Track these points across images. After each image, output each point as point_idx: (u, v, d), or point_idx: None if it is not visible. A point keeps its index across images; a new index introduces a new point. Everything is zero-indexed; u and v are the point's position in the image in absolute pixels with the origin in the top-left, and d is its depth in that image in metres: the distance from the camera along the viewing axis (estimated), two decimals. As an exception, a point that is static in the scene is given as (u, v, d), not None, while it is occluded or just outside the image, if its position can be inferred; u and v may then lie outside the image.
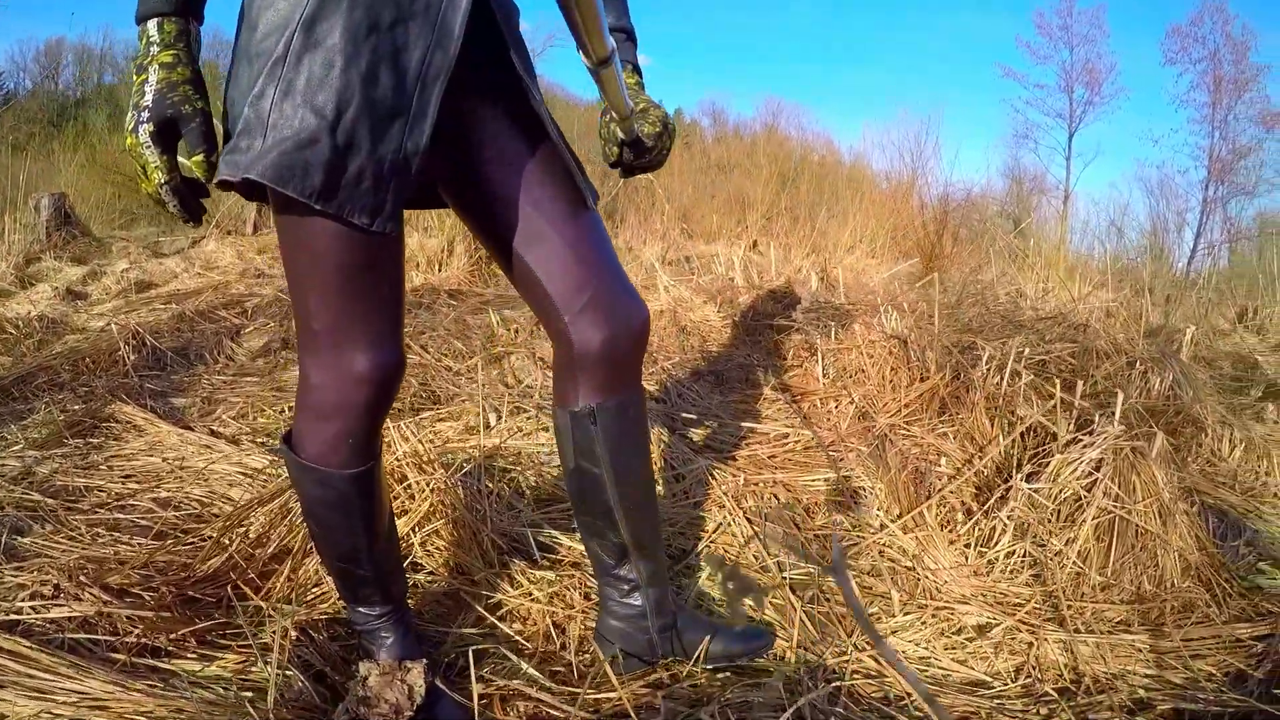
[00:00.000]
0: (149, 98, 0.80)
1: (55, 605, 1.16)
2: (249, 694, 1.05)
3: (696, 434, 2.04)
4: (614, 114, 1.05)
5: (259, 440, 1.95)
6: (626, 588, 1.18)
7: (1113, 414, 1.38)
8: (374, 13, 0.82)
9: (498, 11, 0.93)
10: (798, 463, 1.81)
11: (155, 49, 0.81)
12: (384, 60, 0.83)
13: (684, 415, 2.05)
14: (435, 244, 4.42)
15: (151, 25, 0.81)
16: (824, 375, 2.28)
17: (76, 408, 1.99)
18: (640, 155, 1.10)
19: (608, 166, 1.14)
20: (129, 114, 0.82)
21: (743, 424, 2.03)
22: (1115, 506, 1.31)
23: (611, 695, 1.13)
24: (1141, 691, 1.15)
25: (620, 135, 1.08)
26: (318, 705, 1.08)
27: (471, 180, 0.99)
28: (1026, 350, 1.69)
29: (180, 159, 0.84)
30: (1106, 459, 1.33)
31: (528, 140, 0.99)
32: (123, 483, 1.64)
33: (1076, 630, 1.25)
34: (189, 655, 1.14)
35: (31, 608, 1.15)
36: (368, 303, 0.89)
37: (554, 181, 0.99)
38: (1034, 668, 1.22)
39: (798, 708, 1.10)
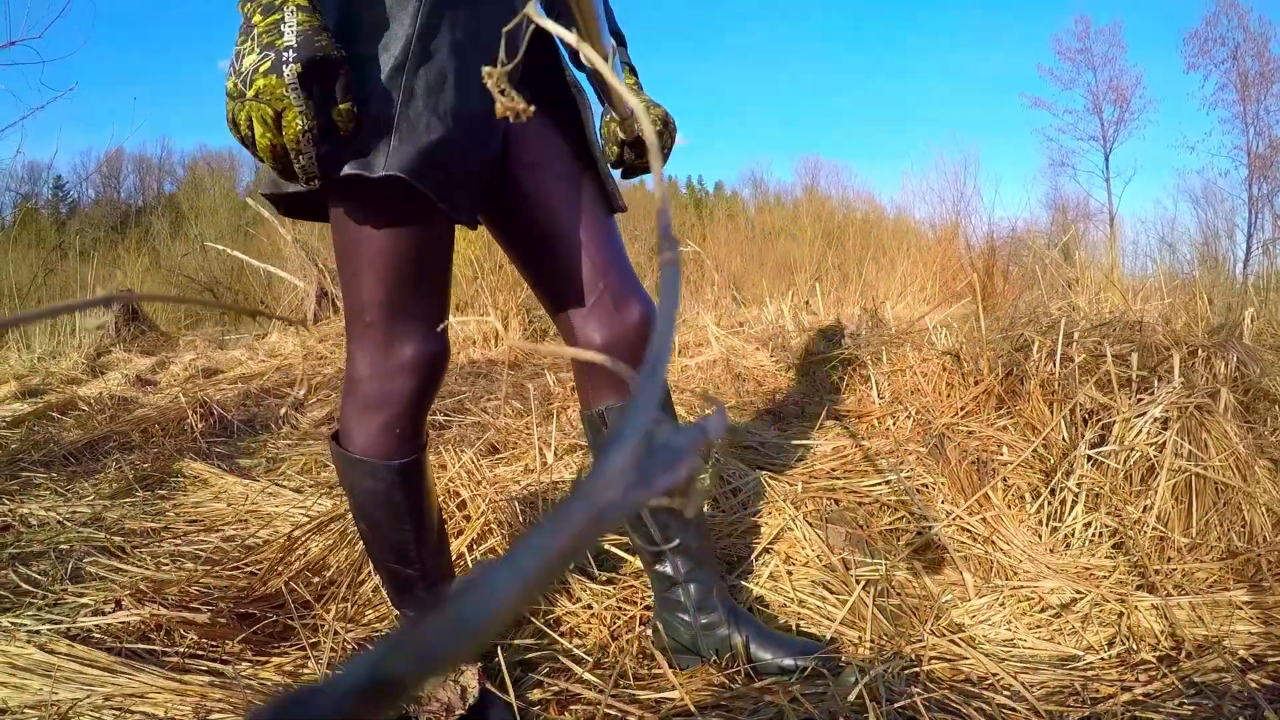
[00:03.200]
0: (291, 38, 0.74)
1: (114, 616, 1.19)
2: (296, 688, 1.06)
3: (751, 455, 2.02)
4: (614, 114, 1.07)
5: (323, 492, 2.01)
6: (667, 584, 1.16)
7: (1171, 374, 1.32)
8: (472, 33, 0.89)
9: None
10: (857, 471, 1.76)
11: None
12: (475, 73, 0.88)
13: (718, 441, 2.04)
14: (491, 325, 4.61)
15: None
16: (879, 397, 2.25)
17: (145, 465, 2.09)
18: (641, 155, 1.10)
19: (611, 168, 1.15)
20: (255, 54, 0.75)
21: (795, 442, 2.01)
22: (1189, 465, 1.23)
23: (671, 695, 1.10)
24: (1244, 650, 1.05)
25: (620, 135, 1.09)
26: (368, 704, 1.08)
27: (504, 183, 1.02)
28: (1076, 334, 1.65)
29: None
30: (1172, 417, 1.27)
31: (565, 145, 1.02)
32: (188, 525, 1.70)
33: (1168, 594, 1.16)
34: (244, 661, 1.15)
35: (95, 624, 1.18)
36: (420, 294, 0.92)
37: (582, 185, 1.02)
38: (1128, 637, 1.13)
39: (870, 686, 1.05)
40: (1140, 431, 1.30)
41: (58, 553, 1.47)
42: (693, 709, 1.07)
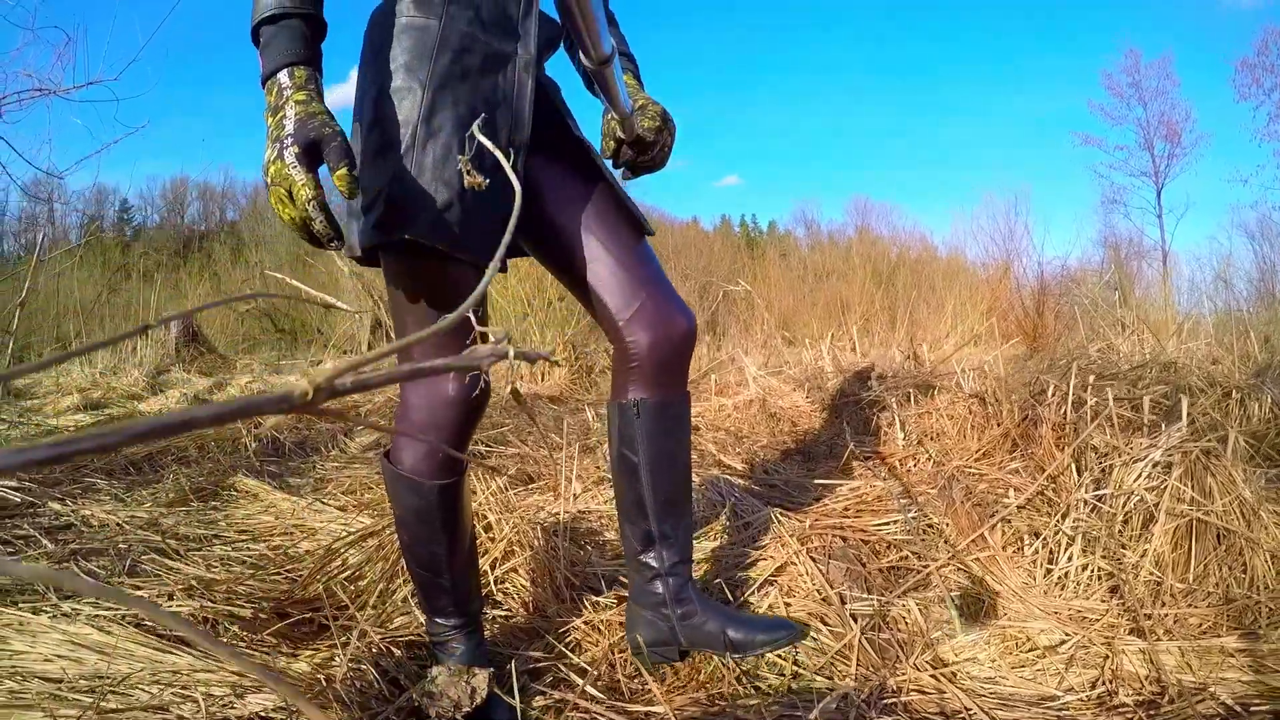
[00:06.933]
0: (290, 127, 0.87)
1: (166, 607, 1.33)
2: (323, 675, 1.17)
3: (773, 493, 2.06)
4: (614, 114, 1.15)
5: (365, 511, 2.15)
6: (649, 574, 1.24)
7: (1179, 420, 1.32)
8: (472, 107, 1.02)
9: (549, 90, 1.17)
10: (868, 511, 1.79)
11: (289, 91, 0.90)
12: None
13: (730, 479, 2.08)
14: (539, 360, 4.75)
15: (283, 75, 0.90)
16: (905, 439, 2.26)
17: (200, 478, 2.25)
18: (643, 152, 1.19)
19: (611, 166, 1.23)
20: (268, 150, 0.88)
21: (814, 481, 2.04)
22: (1190, 509, 1.23)
23: (657, 709, 1.16)
24: (1229, 698, 1.04)
25: (620, 134, 1.17)
26: (385, 697, 1.18)
27: (541, 222, 1.17)
28: (1092, 378, 1.65)
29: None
30: (1175, 461, 1.26)
31: (585, 182, 1.16)
32: (238, 534, 1.85)
33: (1157, 639, 1.16)
34: (280, 654, 1.26)
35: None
36: (460, 336, 1.04)
37: (608, 213, 1.16)
38: (1110, 680, 1.13)
39: (843, 712, 1.08)
40: (1140, 475, 1.30)
41: (116, 551, 1.61)
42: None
